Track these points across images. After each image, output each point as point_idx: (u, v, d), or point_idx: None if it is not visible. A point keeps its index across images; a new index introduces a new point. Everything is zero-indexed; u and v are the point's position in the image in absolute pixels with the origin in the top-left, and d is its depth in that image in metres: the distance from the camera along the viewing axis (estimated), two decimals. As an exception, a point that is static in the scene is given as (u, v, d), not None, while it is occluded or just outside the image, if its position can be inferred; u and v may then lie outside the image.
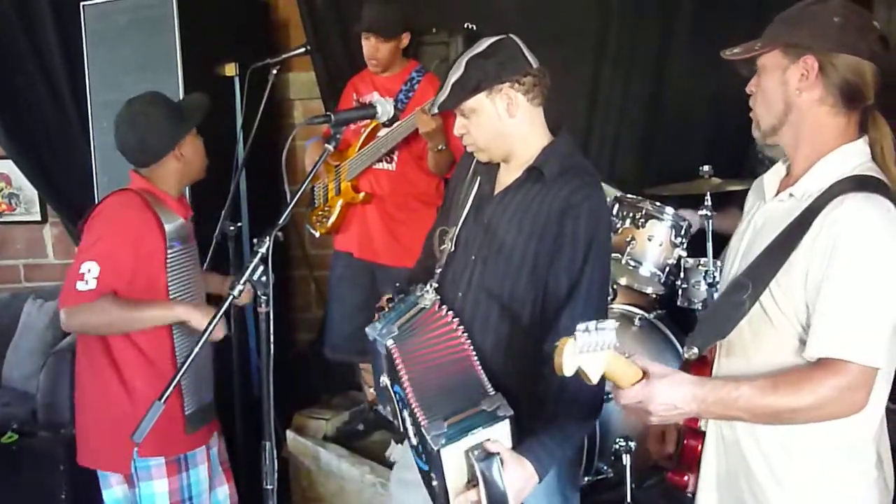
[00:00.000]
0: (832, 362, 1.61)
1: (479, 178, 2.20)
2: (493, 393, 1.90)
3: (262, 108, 3.75)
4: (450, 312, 2.04)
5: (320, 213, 3.83)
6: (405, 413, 1.96)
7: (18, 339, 4.69)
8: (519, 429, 1.91)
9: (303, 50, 3.99)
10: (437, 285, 2.13)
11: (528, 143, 2.10)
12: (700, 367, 1.85)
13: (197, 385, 2.77)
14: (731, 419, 1.75)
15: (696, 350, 1.79)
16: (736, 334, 1.76)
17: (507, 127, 2.07)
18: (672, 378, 1.65)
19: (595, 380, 1.60)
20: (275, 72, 3.81)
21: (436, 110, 2.11)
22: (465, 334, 2.00)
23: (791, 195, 1.76)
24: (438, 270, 2.17)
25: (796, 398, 1.62)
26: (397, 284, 2.24)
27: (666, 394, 1.63)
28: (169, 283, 2.69)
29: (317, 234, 3.88)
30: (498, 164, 2.17)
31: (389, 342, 1.96)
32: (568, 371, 1.57)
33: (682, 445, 1.94)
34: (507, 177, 2.14)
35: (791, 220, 1.71)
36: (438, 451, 1.81)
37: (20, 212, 5.21)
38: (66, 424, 4.07)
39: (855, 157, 1.73)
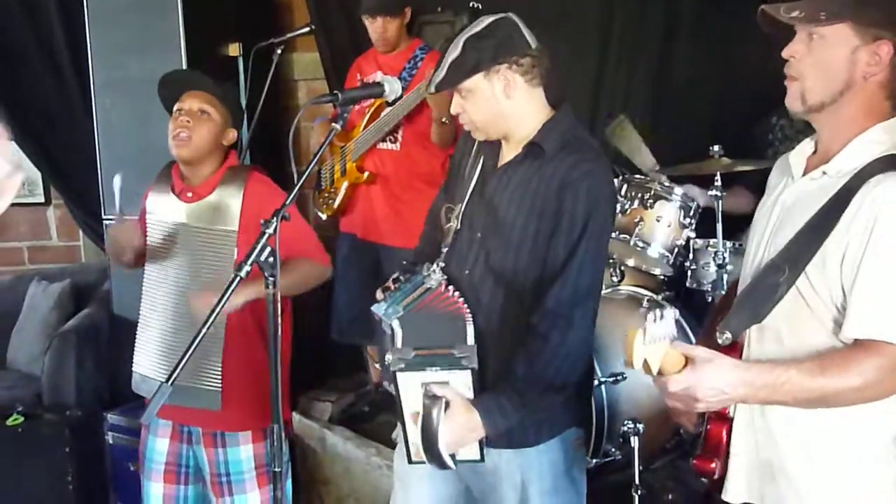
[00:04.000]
0: (871, 343, 1.59)
1: (482, 154, 2.18)
2: (471, 343, 1.95)
3: (266, 89, 3.73)
4: (456, 293, 2.03)
5: (326, 194, 3.81)
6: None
7: (23, 322, 4.70)
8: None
9: (307, 30, 3.97)
10: (443, 264, 2.11)
11: (525, 123, 2.08)
12: (730, 352, 1.77)
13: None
14: (776, 403, 1.70)
15: (729, 335, 1.74)
16: (769, 318, 1.72)
17: (504, 107, 2.05)
18: (718, 363, 1.62)
19: (655, 371, 1.58)
20: (279, 52, 3.78)
21: (432, 90, 2.08)
22: (471, 314, 2.00)
23: (824, 173, 1.71)
24: (445, 249, 2.15)
25: (843, 380, 1.59)
26: (404, 262, 2.22)
27: (714, 379, 1.60)
28: None
29: (323, 217, 3.86)
30: (499, 140, 2.14)
31: (395, 322, 1.96)
32: (637, 364, 1.55)
33: (707, 430, 1.90)
34: (508, 153, 2.13)
35: (825, 199, 1.67)
36: (395, 373, 1.91)
37: (23, 194, 5.18)
38: (71, 406, 4.08)
39: (888, 135, 1.69)
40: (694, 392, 1.61)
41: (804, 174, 1.78)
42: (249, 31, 4.04)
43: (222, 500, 2.75)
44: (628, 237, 3.24)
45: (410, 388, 1.93)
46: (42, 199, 5.21)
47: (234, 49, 3.97)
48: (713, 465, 1.86)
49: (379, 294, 2.13)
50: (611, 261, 3.43)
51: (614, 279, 3.44)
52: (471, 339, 1.96)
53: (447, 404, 1.89)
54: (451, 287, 2.05)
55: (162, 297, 2.76)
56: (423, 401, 1.89)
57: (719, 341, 1.76)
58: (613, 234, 3.27)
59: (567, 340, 1.97)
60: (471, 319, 1.99)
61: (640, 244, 3.24)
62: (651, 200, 3.23)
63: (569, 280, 1.97)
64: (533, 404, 1.98)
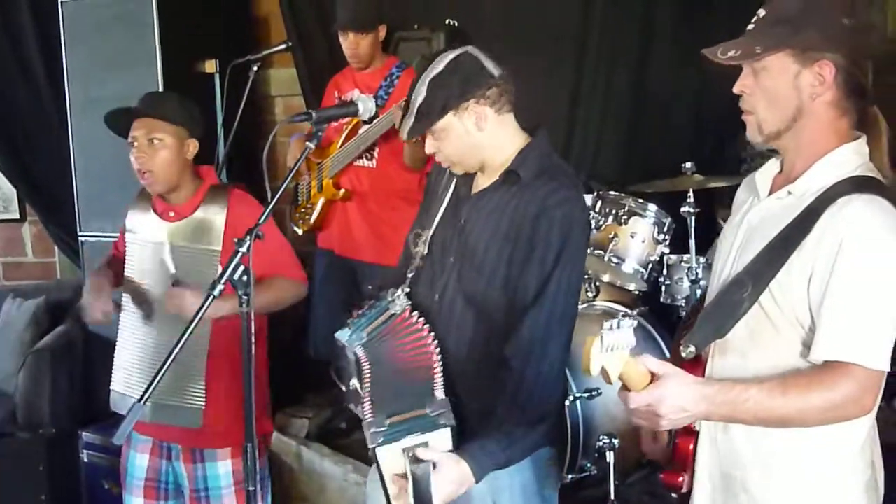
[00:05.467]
0: (839, 365, 1.60)
1: (455, 179, 2.18)
2: (441, 398, 1.93)
3: (242, 105, 3.73)
4: (420, 319, 2.02)
5: (303, 210, 3.82)
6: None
7: (-3, 339, 4.65)
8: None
9: (283, 47, 3.97)
10: (408, 290, 2.11)
11: (501, 151, 2.07)
12: (693, 366, 1.81)
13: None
14: (737, 422, 1.72)
15: (693, 349, 1.76)
16: (732, 333, 1.74)
17: (478, 140, 2.04)
18: (680, 380, 1.63)
19: (614, 380, 1.59)
20: (255, 68, 3.79)
21: (405, 137, 2.08)
22: (435, 341, 1.99)
23: (790, 193, 1.73)
24: (410, 274, 2.14)
25: (805, 401, 1.61)
26: (370, 287, 2.22)
27: (675, 396, 1.61)
28: None
29: (300, 232, 3.87)
30: None
31: (358, 349, 1.95)
32: (594, 370, 1.56)
33: (674, 444, 1.93)
34: (483, 179, 2.12)
35: (790, 218, 1.69)
36: (374, 449, 1.88)
37: (-1, 210, 5.17)
38: (45, 424, 4.04)
39: (856, 156, 1.71)
40: (656, 409, 1.61)
41: (770, 193, 1.81)
42: (226, 48, 4.04)
43: None
44: (603, 253, 3.26)
45: (390, 456, 1.90)
46: (17, 216, 5.18)
47: (210, 66, 3.97)
48: (681, 479, 1.88)
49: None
50: (586, 276, 3.45)
51: (589, 294, 3.47)
52: (439, 390, 1.94)
53: (434, 465, 1.86)
54: (415, 313, 2.03)
55: (143, 316, 2.76)
56: (409, 467, 1.86)
57: (683, 354, 1.78)
58: (588, 250, 3.29)
59: (542, 374, 1.96)
60: (438, 364, 1.97)
61: (615, 260, 3.26)
62: (625, 217, 3.26)
63: (542, 309, 1.95)
64: (518, 441, 1.97)
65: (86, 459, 3.82)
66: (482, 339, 2.04)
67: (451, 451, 1.91)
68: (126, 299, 2.81)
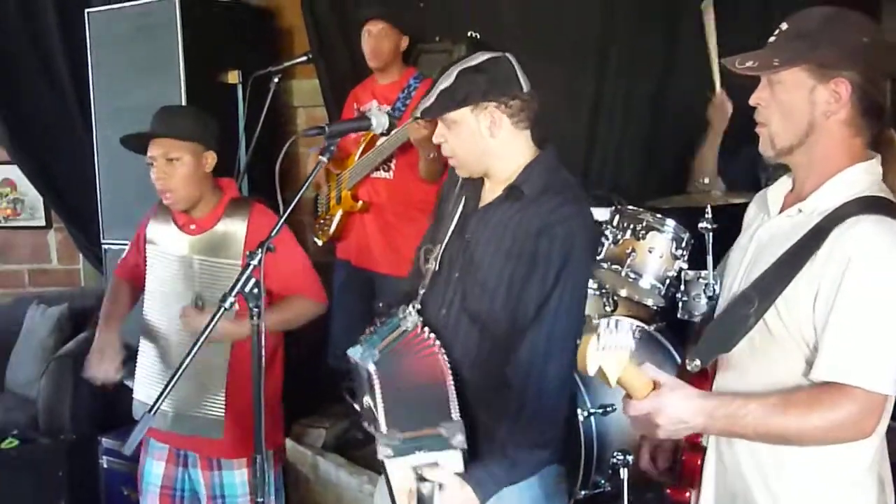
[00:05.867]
0: (840, 387, 1.59)
1: (465, 194, 2.18)
2: (457, 419, 1.92)
3: (263, 116, 3.76)
4: (432, 335, 2.02)
5: (322, 221, 3.84)
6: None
7: (21, 345, 4.71)
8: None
9: (304, 59, 4.00)
10: (419, 306, 2.10)
11: (507, 163, 2.07)
12: (700, 380, 1.83)
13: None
14: (736, 436, 1.72)
15: (698, 362, 1.77)
16: (737, 349, 1.74)
17: (487, 145, 2.04)
18: (682, 391, 1.64)
19: (613, 382, 1.59)
20: (276, 80, 3.82)
21: (418, 114, 2.09)
22: (446, 357, 1.99)
23: (800, 211, 1.73)
24: (422, 291, 2.15)
25: (805, 420, 1.60)
26: (380, 304, 2.23)
27: (674, 406, 1.62)
28: None
29: (319, 243, 3.89)
30: (482, 180, 2.15)
31: (371, 366, 1.95)
32: (591, 369, 1.56)
33: (682, 461, 1.92)
34: (489, 193, 2.12)
35: (799, 236, 1.68)
36: (383, 460, 1.89)
37: (25, 217, 5.25)
38: (65, 430, 4.08)
39: (868, 176, 1.70)
40: (654, 418, 1.62)
41: (781, 211, 1.80)
42: (249, 59, 4.08)
43: None
44: (620, 268, 3.24)
45: (400, 470, 1.91)
46: (43, 223, 5.24)
47: (233, 76, 4.01)
48: (688, 494, 1.88)
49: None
50: (603, 290, 3.44)
51: (607, 309, 3.45)
52: (455, 411, 1.94)
53: (440, 486, 1.87)
54: (426, 329, 2.03)
55: (164, 327, 2.78)
56: (416, 484, 1.88)
57: (688, 368, 1.79)
58: (605, 265, 3.27)
59: (543, 394, 1.95)
60: (452, 383, 1.97)
61: (632, 275, 3.24)
62: (643, 231, 3.23)
63: (543, 327, 1.95)
64: (522, 462, 1.97)
65: (105, 465, 3.85)
66: (486, 355, 2.04)
67: (457, 474, 1.91)
68: (148, 308, 2.85)
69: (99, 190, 4.26)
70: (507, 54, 2.05)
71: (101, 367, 2.75)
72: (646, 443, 2.08)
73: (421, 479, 1.87)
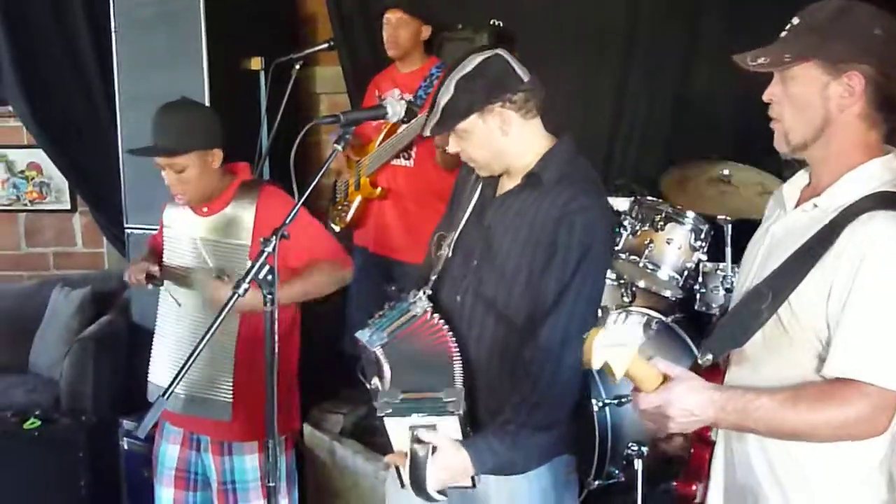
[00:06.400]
0: (852, 383, 1.57)
1: (481, 182, 2.19)
2: (459, 387, 1.95)
3: (284, 103, 3.77)
4: (441, 321, 2.03)
5: (340, 207, 3.86)
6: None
7: (45, 326, 4.77)
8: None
9: (326, 46, 4.01)
10: (430, 292, 2.11)
11: (524, 155, 2.08)
12: (712, 375, 1.81)
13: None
14: (746, 430, 1.71)
15: (710, 357, 1.76)
16: (749, 344, 1.73)
17: (502, 144, 2.05)
18: (692, 383, 1.64)
19: (619, 376, 1.59)
20: (298, 67, 3.83)
21: (427, 133, 2.09)
22: (455, 343, 2.01)
23: (815, 206, 1.71)
24: (433, 277, 2.16)
25: (815, 416, 1.59)
26: (391, 288, 2.24)
27: (685, 399, 1.61)
28: None
29: (336, 229, 3.90)
30: None
31: (378, 349, 1.97)
32: (596, 363, 1.56)
33: (691, 454, 1.92)
34: (508, 182, 2.13)
35: (814, 231, 1.67)
36: (382, 417, 1.91)
37: (50, 200, 5.31)
38: (87, 412, 4.14)
39: (885, 171, 1.68)
40: (665, 410, 1.62)
41: (796, 206, 1.79)
42: (273, 45, 4.08)
43: None
44: (638, 258, 3.24)
45: (398, 430, 1.93)
46: (68, 206, 5.30)
47: (256, 63, 4.02)
48: (694, 487, 1.87)
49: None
50: (621, 281, 3.43)
51: (625, 300, 3.44)
52: (458, 380, 1.97)
53: (434, 448, 1.89)
54: (436, 315, 2.05)
55: (177, 309, 2.82)
56: (411, 445, 1.90)
57: (700, 362, 1.78)
58: (624, 255, 3.27)
59: (556, 381, 1.97)
60: (458, 358, 1.99)
61: (650, 266, 3.23)
62: (662, 223, 3.23)
63: (561, 316, 1.96)
64: (523, 444, 1.98)
65: (125, 447, 3.89)
66: (501, 342, 2.05)
67: (453, 439, 1.93)
68: (164, 293, 2.88)
69: (122, 175, 4.29)
70: (498, 51, 2.04)
71: (139, 266, 2.81)
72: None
73: (417, 440, 1.89)
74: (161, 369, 2.87)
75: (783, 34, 1.72)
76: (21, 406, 4.12)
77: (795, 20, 1.71)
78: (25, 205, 5.31)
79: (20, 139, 5.15)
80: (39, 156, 5.13)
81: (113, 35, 4.17)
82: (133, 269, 2.86)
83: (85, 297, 4.71)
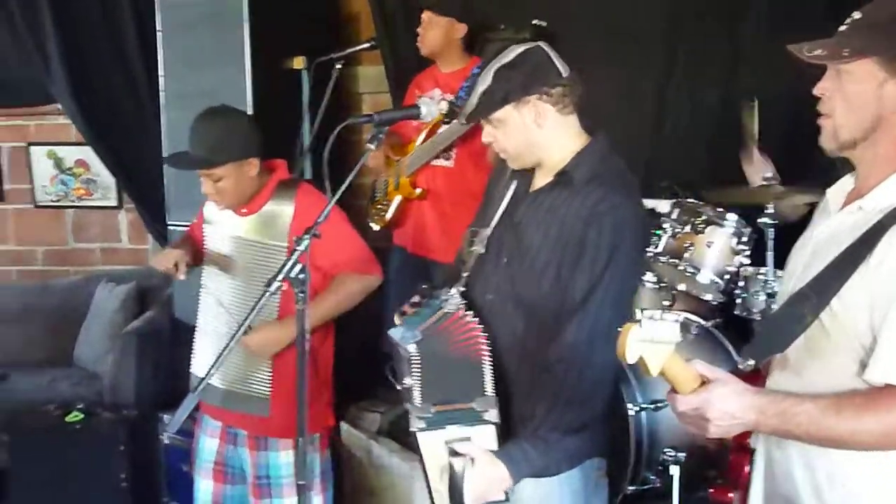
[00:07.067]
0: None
1: (515, 180, 2.18)
2: (491, 394, 1.93)
3: (326, 103, 3.79)
4: (474, 318, 2.03)
5: (379, 206, 3.86)
6: None
7: (90, 321, 4.86)
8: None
9: (367, 45, 4.02)
10: (463, 289, 2.11)
11: (557, 151, 2.07)
12: (753, 380, 1.77)
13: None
14: (787, 436, 1.67)
15: (752, 361, 1.72)
16: (791, 348, 1.69)
17: (536, 137, 2.04)
18: (733, 386, 1.60)
19: (654, 373, 1.56)
20: (339, 66, 3.84)
21: (463, 121, 2.09)
22: (487, 342, 1.99)
23: (860, 208, 1.67)
24: (466, 274, 2.15)
25: (859, 423, 1.55)
26: (423, 287, 2.23)
27: (726, 401, 1.58)
28: None
29: (375, 228, 3.91)
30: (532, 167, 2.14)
31: (411, 347, 1.96)
32: (631, 357, 1.54)
33: (728, 461, 1.89)
34: (540, 179, 2.12)
35: (859, 233, 1.63)
36: (415, 433, 1.92)
37: (97, 197, 5.39)
38: (129, 406, 4.20)
39: None
40: (705, 413, 1.58)
41: (841, 208, 1.75)
42: (316, 45, 4.10)
43: (260, 502, 2.82)
44: (678, 261, 3.19)
45: (432, 444, 1.93)
46: (115, 203, 5.38)
47: (298, 62, 4.04)
48: (731, 495, 1.84)
49: (397, 318, 2.15)
50: (662, 285, 3.39)
51: (665, 303, 3.40)
52: (489, 386, 1.95)
53: (472, 460, 1.88)
54: (468, 313, 2.04)
55: (216, 306, 2.85)
56: (448, 458, 1.89)
57: (741, 367, 1.74)
58: (663, 258, 3.23)
59: (584, 381, 1.95)
60: (489, 361, 1.98)
61: (690, 269, 3.18)
62: (702, 225, 3.17)
63: (588, 316, 1.94)
64: (556, 447, 1.97)
65: (166, 441, 3.94)
66: (531, 340, 2.04)
67: (490, 451, 1.92)
68: (204, 288, 2.92)
69: (164, 172, 4.34)
70: (539, 43, 2.03)
71: (171, 255, 2.80)
72: None
73: (453, 453, 1.89)
74: (203, 363, 2.90)
75: (842, 28, 1.68)
76: (65, 399, 4.20)
77: (857, 15, 1.67)
78: (73, 201, 5.42)
79: (69, 136, 5.24)
80: (87, 153, 5.22)
81: (158, 35, 4.22)
82: (162, 256, 2.85)
83: (129, 293, 4.79)
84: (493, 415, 1.92)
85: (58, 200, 5.42)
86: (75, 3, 4.80)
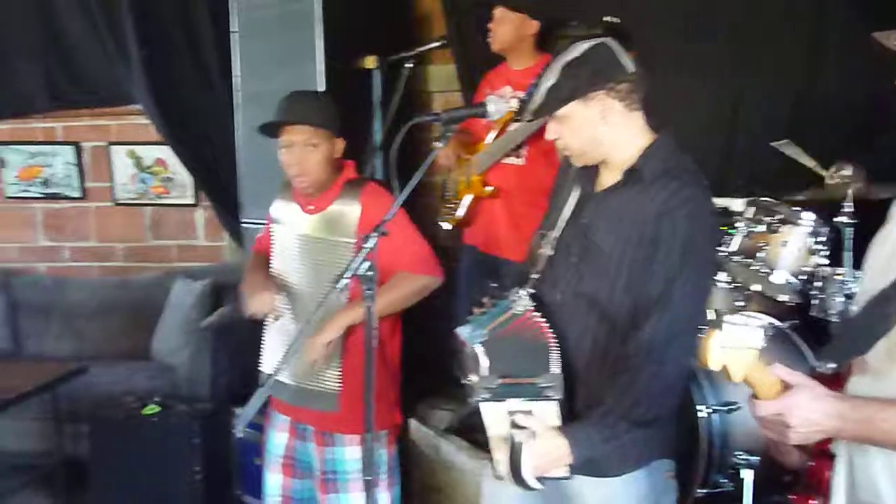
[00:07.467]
0: None
1: (581, 180, 2.16)
2: (556, 373, 1.93)
3: (398, 102, 3.81)
4: (542, 319, 2.01)
5: (450, 205, 3.87)
6: None
7: (167, 316, 4.96)
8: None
9: (438, 44, 4.03)
10: (532, 290, 2.10)
11: (624, 148, 2.05)
12: (831, 385, 1.71)
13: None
14: (870, 442, 1.62)
15: (832, 365, 1.68)
16: (873, 351, 1.64)
17: (602, 133, 2.03)
18: (815, 391, 1.56)
19: (737, 379, 1.54)
20: (409, 65, 3.87)
21: (529, 118, 2.08)
22: (560, 339, 1.98)
23: None
24: (535, 275, 2.14)
25: None
26: (493, 286, 2.23)
27: (807, 407, 1.54)
28: None
29: (446, 227, 3.92)
30: (597, 166, 2.12)
31: (478, 346, 1.96)
32: (714, 365, 1.52)
33: (808, 467, 1.84)
34: (606, 178, 2.10)
35: None
36: (478, 402, 1.93)
37: (175, 195, 5.51)
38: (204, 399, 4.28)
39: None
40: (786, 419, 1.54)
41: None
42: (388, 44, 4.13)
43: (327, 497, 2.85)
44: (752, 261, 3.13)
45: (495, 415, 1.95)
46: (192, 201, 5.50)
47: (370, 62, 4.07)
48: (813, 502, 1.79)
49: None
50: (737, 285, 3.32)
51: (739, 303, 3.33)
52: (556, 368, 1.95)
53: (532, 433, 1.89)
54: (537, 313, 2.03)
55: (284, 303, 2.89)
56: (510, 430, 1.91)
57: (819, 371, 1.70)
58: (737, 258, 3.17)
59: (659, 376, 1.94)
60: (556, 347, 1.97)
61: (765, 269, 3.12)
62: (778, 224, 3.11)
63: (665, 312, 1.93)
64: (621, 437, 1.96)
65: (238, 435, 3.98)
66: (603, 340, 2.03)
67: (552, 427, 1.92)
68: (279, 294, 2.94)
69: (239, 174, 4.42)
70: (605, 39, 2.01)
71: (258, 300, 2.83)
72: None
73: (515, 425, 1.89)
74: (272, 359, 2.94)
75: None
76: (142, 392, 4.29)
77: None
78: (151, 199, 5.55)
79: (148, 136, 5.35)
80: (165, 152, 5.33)
81: (233, 36, 4.29)
82: (258, 302, 2.84)
83: (205, 289, 4.89)
84: (556, 391, 1.92)
85: (137, 198, 5.56)
86: (155, 7, 4.92)
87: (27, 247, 5.81)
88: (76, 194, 5.68)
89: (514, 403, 1.92)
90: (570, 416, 1.98)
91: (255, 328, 3.75)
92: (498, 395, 1.92)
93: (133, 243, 5.65)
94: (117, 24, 4.95)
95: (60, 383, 4.31)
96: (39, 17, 5.25)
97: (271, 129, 2.83)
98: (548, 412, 1.94)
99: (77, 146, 5.62)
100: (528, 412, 1.92)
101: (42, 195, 5.71)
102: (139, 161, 5.52)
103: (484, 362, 1.94)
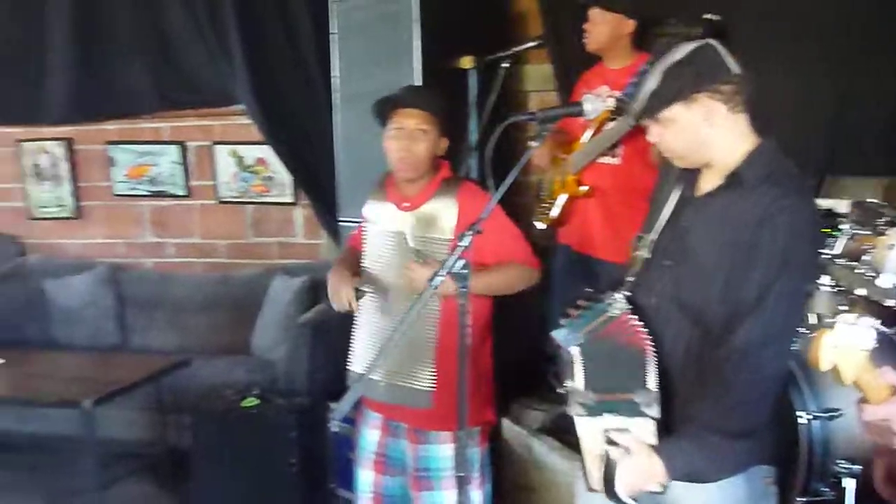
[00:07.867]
0: None
1: (681, 183, 2.13)
2: (653, 389, 1.91)
3: (493, 101, 3.82)
4: (639, 324, 2.00)
5: (544, 204, 3.86)
6: None
7: (266, 311, 5.08)
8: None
9: (534, 43, 4.02)
10: (629, 294, 2.08)
11: (727, 151, 2.02)
12: None
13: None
14: None
15: None
16: None
17: (705, 136, 2.00)
18: None
19: (848, 381, 1.52)
20: (505, 65, 3.87)
21: (632, 121, 2.07)
22: (654, 344, 1.97)
23: None
24: (631, 278, 2.12)
25: None
26: (588, 290, 2.22)
27: None
28: None
29: (541, 226, 3.91)
30: (698, 169, 2.09)
31: (575, 349, 1.95)
32: (824, 365, 1.50)
33: None
34: (707, 182, 2.07)
35: None
36: (573, 417, 1.94)
37: (275, 194, 5.63)
38: (302, 394, 4.36)
39: None
40: (892, 425, 1.51)
41: None
42: (484, 44, 4.14)
43: (419, 494, 2.88)
44: (857, 264, 3.03)
45: (589, 430, 1.94)
46: (291, 200, 5.61)
47: (467, 62, 4.09)
48: None
49: (562, 322, 2.15)
50: (840, 289, 3.23)
51: (842, 308, 3.24)
52: (652, 382, 1.94)
53: (628, 451, 1.88)
54: (633, 317, 2.02)
55: (378, 300, 2.92)
56: (605, 446, 1.90)
57: None
58: (841, 261, 3.08)
59: (754, 385, 1.91)
60: (653, 355, 1.96)
61: (870, 273, 3.02)
62: (884, 226, 3.00)
63: (760, 319, 1.89)
64: (717, 451, 1.93)
65: (333, 429, 4.05)
66: (696, 345, 2.00)
67: (646, 444, 1.91)
68: (365, 285, 2.99)
69: (337, 173, 4.49)
70: (709, 41, 1.98)
71: (341, 293, 2.88)
72: (880, 459, 1.94)
73: (610, 442, 1.88)
74: (361, 357, 2.98)
75: None
76: (242, 385, 4.40)
77: None
78: (252, 198, 5.68)
79: (250, 136, 5.48)
80: (266, 152, 5.46)
81: (332, 37, 4.36)
82: (336, 295, 2.92)
83: (303, 286, 4.99)
84: (653, 410, 1.91)
85: (239, 197, 5.71)
86: (258, 10, 5.04)
87: (134, 243, 6.03)
88: (181, 192, 5.86)
89: (611, 420, 1.91)
90: (665, 424, 1.96)
91: (350, 326, 3.82)
92: (594, 411, 1.92)
93: (235, 240, 5.81)
94: (222, 29, 5.10)
95: (164, 375, 4.46)
96: (147, 18, 5.43)
97: (383, 113, 2.88)
98: (644, 429, 1.93)
99: (182, 145, 5.80)
100: (625, 429, 1.91)
101: (149, 193, 5.91)
102: (241, 160, 5.67)
103: (580, 376, 1.93)
